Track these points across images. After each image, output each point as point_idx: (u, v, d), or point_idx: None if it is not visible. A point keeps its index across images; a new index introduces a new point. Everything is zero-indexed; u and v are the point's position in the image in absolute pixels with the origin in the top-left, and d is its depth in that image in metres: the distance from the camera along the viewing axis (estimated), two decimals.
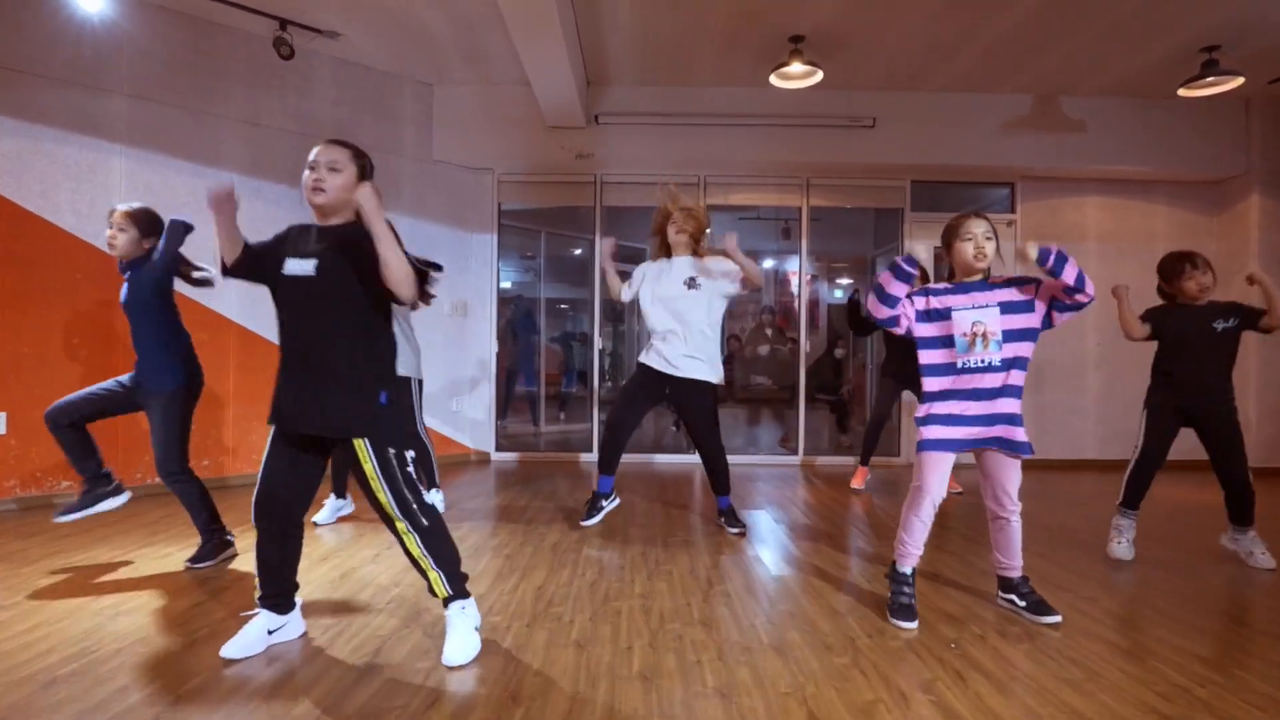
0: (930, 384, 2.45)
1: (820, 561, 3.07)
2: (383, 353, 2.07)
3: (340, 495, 3.76)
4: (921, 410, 2.46)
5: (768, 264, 9.20)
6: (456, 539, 3.38)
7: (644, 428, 7.54)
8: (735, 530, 3.52)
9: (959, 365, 2.40)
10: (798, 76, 4.89)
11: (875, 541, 3.45)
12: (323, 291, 1.97)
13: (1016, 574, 2.50)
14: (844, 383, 7.46)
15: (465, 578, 2.14)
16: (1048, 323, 2.35)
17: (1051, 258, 2.22)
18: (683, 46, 5.06)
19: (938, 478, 2.38)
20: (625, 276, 3.70)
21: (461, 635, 2.05)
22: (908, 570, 2.45)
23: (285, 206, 4.99)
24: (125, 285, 2.85)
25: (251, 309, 4.81)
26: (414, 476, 2.08)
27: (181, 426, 2.81)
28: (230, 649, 2.04)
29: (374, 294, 1.98)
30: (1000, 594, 2.56)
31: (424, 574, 2.09)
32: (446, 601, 2.10)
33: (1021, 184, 6.13)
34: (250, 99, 4.85)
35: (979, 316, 2.37)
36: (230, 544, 2.96)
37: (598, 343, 6.27)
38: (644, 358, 3.57)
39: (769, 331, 8.02)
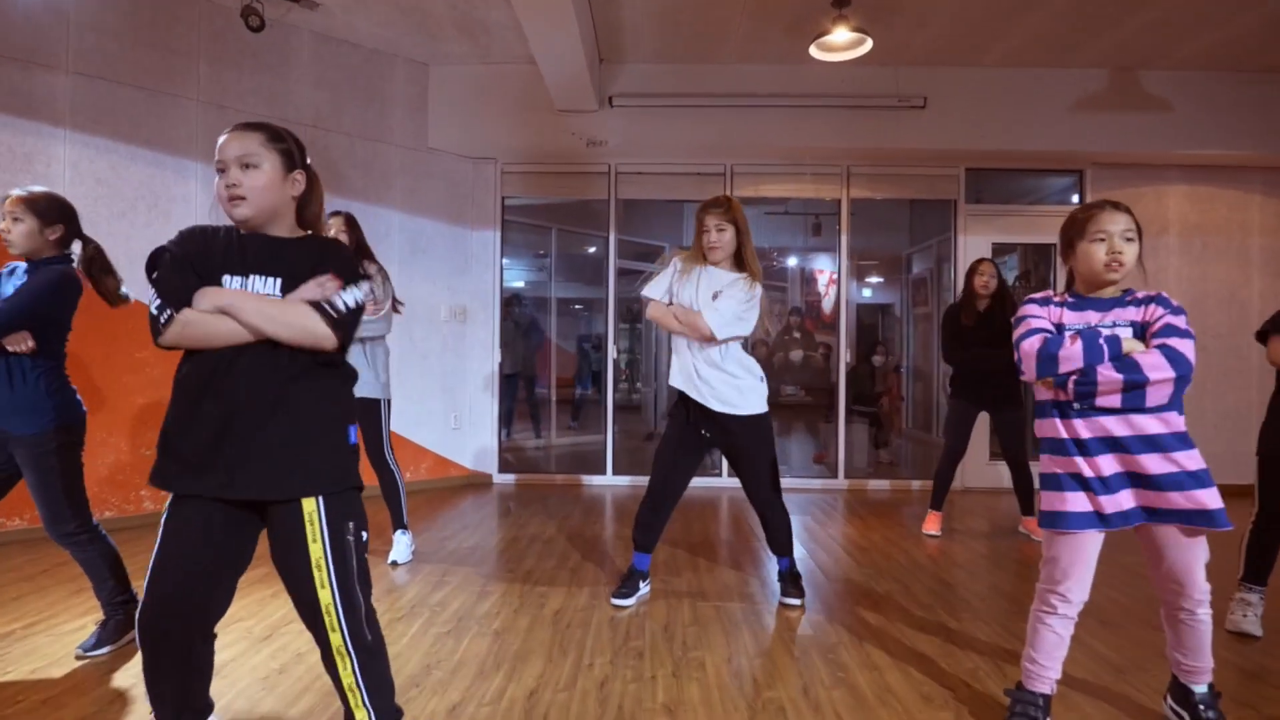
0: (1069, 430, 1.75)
1: (893, 646, 2.41)
2: (346, 383, 1.58)
3: (404, 527, 3.42)
4: (1045, 465, 1.80)
5: (792, 262, 8.58)
6: (438, 601, 2.81)
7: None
8: (795, 602, 2.79)
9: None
10: (843, 47, 4.20)
11: (958, 611, 2.79)
12: None
13: (1203, 681, 1.81)
14: (882, 392, 6.82)
15: (399, 713, 1.57)
16: None
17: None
18: (708, 15, 4.40)
19: (1082, 568, 1.72)
20: (649, 278, 2.96)
21: None
22: (1042, 691, 1.80)
23: None
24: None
25: None
26: (368, 569, 1.51)
27: (66, 476, 2.20)
28: None
29: None
30: (1171, 704, 1.87)
31: (347, 707, 1.49)
32: None
33: (1092, 171, 5.40)
34: (216, 78, 4.26)
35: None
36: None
37: (612, 351, 5.64)
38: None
39: (797, 335, 7.39)
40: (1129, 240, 1.72)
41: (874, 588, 3.03)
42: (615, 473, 5.55)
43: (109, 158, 3.93)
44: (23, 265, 2.23)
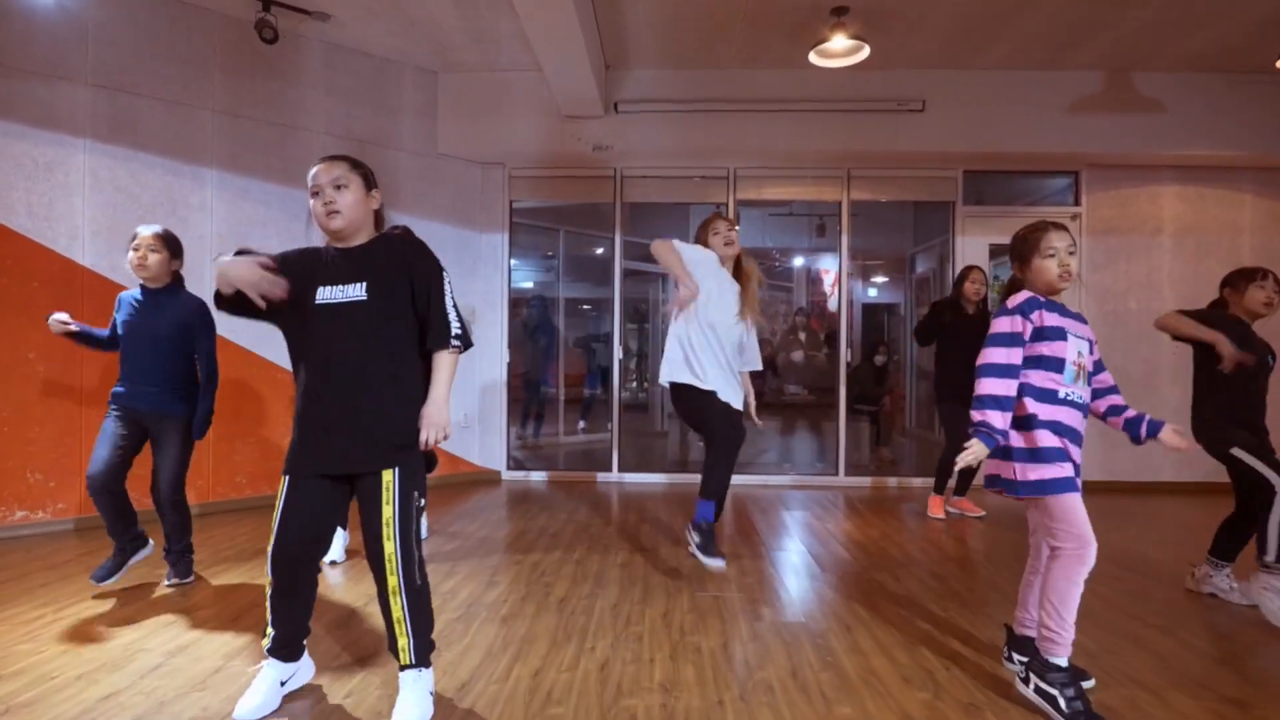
0: (1042, 411, 1.95)
1: (880, 633, 2.52)
2: (420, 376, 1.92)
3: (344, 526, 3.40)
4: (1039, 439, 1.94)
5: (799, 262, 8.67)
6: (449, 590, 2.94)
7: (667, 436, 7.05)
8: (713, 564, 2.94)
9: (1061, 395, 1.96)
10: (840, 54, 4.33)
11: (944, 601, 2.89)
12: (374, 314, 1.84)
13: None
14: (884, 392, 6.90)
15: (433, 646, 1.90)
16: None
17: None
18: (710, 23, 4.52)
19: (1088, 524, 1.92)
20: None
21: (416, 699, 1.82)
22: (1065, 662, 1.90)
23: (275, 206, 4.55)
24: (146, 309, 2.80)
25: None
26: (420, 530, 1.86)
27: (190, 450, 2.87)
28: (245, 709, 1.83)
29: (415, 316, 1.91)
30: (1014, 655, 2.10)
31: (394, 635, 1.85)
32: (404, 667, 1.86)
33: (1087, 172, 5.49)
34: (230, 88, 4.40)
35: (1081, 347, 1.99)
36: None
37: (618, 351, 5.75)
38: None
39: (802, 335, 7.49)
40: (1071, 254, 1.96)
41: (866, 579, 3.13)
42: (621, 470, 5.67)
43: (128, 166, 4.07)
44: (133, 294, 2.82)
